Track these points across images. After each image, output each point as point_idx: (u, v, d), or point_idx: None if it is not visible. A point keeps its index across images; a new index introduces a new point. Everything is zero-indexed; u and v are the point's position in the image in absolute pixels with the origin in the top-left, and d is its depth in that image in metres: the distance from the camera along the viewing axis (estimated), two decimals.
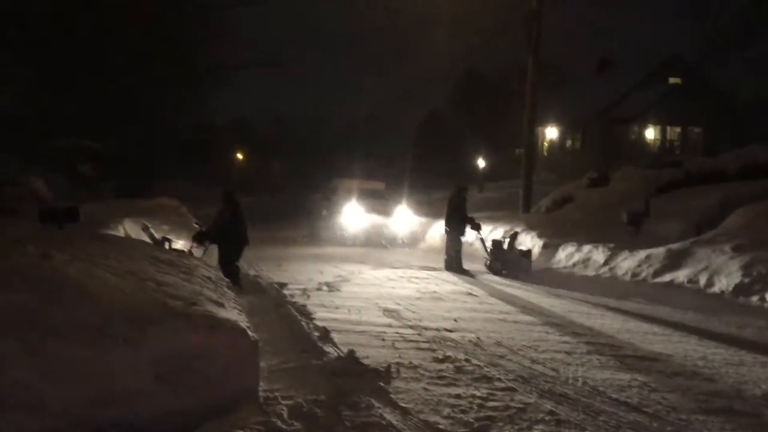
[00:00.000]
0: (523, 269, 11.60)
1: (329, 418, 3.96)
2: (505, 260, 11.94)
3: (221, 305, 5.07)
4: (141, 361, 3.93)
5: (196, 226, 11.15)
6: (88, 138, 21.66)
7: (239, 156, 56.20)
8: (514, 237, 12.67)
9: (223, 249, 9.59)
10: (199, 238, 9.78)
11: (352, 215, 17.87)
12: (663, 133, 33.35)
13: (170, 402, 3.96)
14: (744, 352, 6.06)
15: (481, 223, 13.17)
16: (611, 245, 11.41)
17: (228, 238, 9.56)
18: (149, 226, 11.35)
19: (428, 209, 21.53)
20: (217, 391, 4.14)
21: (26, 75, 18.77)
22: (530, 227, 14.44)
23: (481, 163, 33.49)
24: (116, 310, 3.94)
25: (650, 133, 33.35)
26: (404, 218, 18.32)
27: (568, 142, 36.64)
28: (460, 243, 12.49)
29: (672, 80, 33.69)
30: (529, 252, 12.16)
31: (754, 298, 8.00)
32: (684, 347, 6.16)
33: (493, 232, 14.76)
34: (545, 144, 37.99)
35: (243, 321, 4.94)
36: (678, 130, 33.61)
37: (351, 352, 5.29)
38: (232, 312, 5.10)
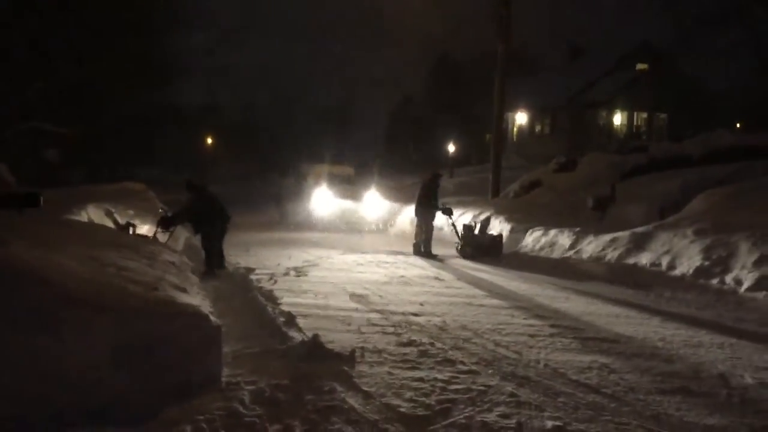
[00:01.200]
0: (494, 254, 11.69)
1: (291, 402, 3.96)
2: (476, 245, 12.02)
3: (184, 290, 5.03)
4: (98, 346, 3.89)
5: (161, 211, 11.01)
6: (51, 123, 21.22)
7: (209, 141, 55.55)
8: (486, 222, 12.76)
9: (202, 233, 9.54)
10: (164, 224, 9.65)
11: (322, 200, 17.83)
12: (630, 118, 33.77)
13: (130, 387, 3.92)
14: (703, 333, 6.20)
15: (452, 208, 13.22)
16: (577, 229, 11.54)
17: (204, 221, 9.47)
18: (113, 211, 11.17)
19: (399, 194, 21.55)
20: (179, 376, 4.12)
21: None
22: (498, 212, 14.54)
23: (451, 148, 33.58)
24: (72, 296, 3.89)
25: (618, 119, 33.74)
26: (374, 203, 18.32)
27: (538, 128, 36.90)
28: (431, 228, 12.54)
29: (640, 66, 34.04)
30: (500, 236, 12.25)
31: (714, 281, 8.16)
32: (644, 329, 6.27)
33: (462, 216, 14.82)
34: (515, 129, 38.21)
35: (206, 306, 4.92)
36: (645, 115, 34.05)
37: (315, 337, 5.28)
38: (196, 297, 5.07)
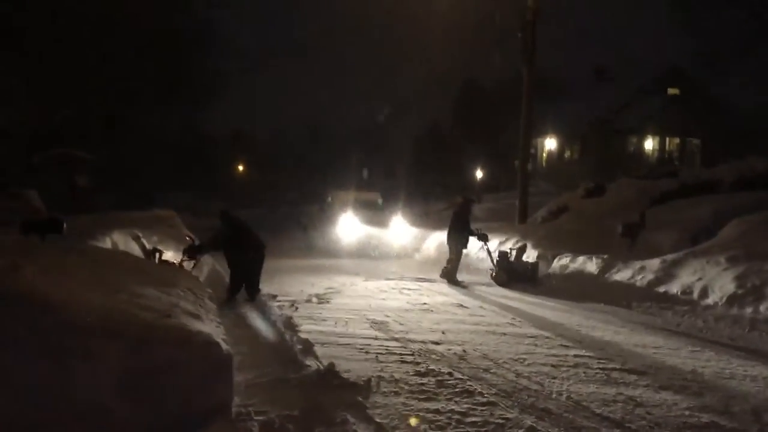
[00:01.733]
0: (530, 281, 11.51)
1: None
2: (511, 271, 11.87)
3: (198, 317, 4.96)
4: (103, 374, 3.83)
5: (188, 239, 11.03)
6: (81, 149, 21.58)
7: (240, 168, 56.26)
8: (522, 249, 12.57)
9: (228, 261, 9.52)
10: (190, 252, 9.64)
11: (348, 226, 17.78)
12: (662, 144, 33.31)
13: (135, 417, 3.85)
14: (735, 365, 5.94)
15: (487, 234, 13.06)
16: (605, 256, 11.28)
17: (232, 250, 9.44)
18: (140, 235, 11.24)
19: (425, 220, 21.45)
20: (187, 406, 4.03)
21: (13, 84, 18.70)
22: (525, 238, 14.32)
23: (479, 174, 33.38)
24: (79, 322, 3.84)
25: (649, 144, 33.31)
26: (400, 229, 18.22)
27: (567, 153, 36.58)
28: (460, 254, 12.41)
29: (671, 91, 33.66)
30: (536, 264, 12.07)
31: (748, 310, 7.87)
32: (674, 360, 6.04)
33: (490, 243, 14.61)
34: (544, 155, 37.92)
35: (220, 334, 4.83)
36: (677, 141, 33.56)
37: (330, 366, 5.18)
38: (209, 325, 4.99)
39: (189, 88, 37.80)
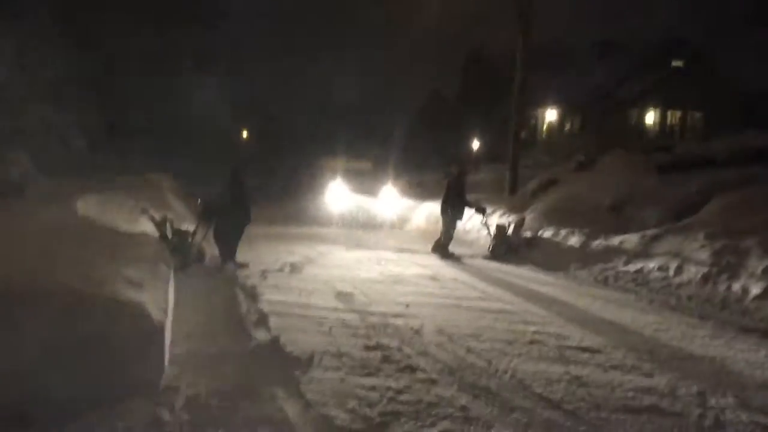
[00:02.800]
0: (527, 256, 11.40)
1: (223, 410, 3.76)
2: (509, 245, 11.76)
3: (140, 286, 4.85)
4: (25, 343, 3.74)
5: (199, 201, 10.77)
6: (72, 113, 21.40)
7: (244, 135, 55.90)
8: (520, 223, 12.42)
9: (222, 225, 9.36)
10: (204, 215, 9.48)
11: (337, 195, 17.64)
12: (663, 117, 32.85)
13: (58, 387, 3.76)
14: (697, 344, 5.82)
15: (486, 207, 12.89)
16: (587, 230, 11.12)
17: (230, 214, 9.30)
18: (148, 207, 10.98)
19: (418, 190, 21.26)
20: (114, 378, 3.94)
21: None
22: (512, 210, 14.18)
23: (475, 144, 33.06)
24: (4, 289, 3.74)
25: (650, 117, 32.87)
26: (390, 199, 18.06)
27: (567, 125, 36.20)
28: (453, 227, 12.23)
29: (674, 63, 33.09)
30: (534, 239, 11.95)
31: (721, 288, 7.71)
32: (635, 338, 5.92)
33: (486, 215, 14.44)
34: (544, 126, 37.54)
35: (160, 304, 4.72)
36: (679, 114, 33.10)
37: (275, 339, 5.09)
38: (152, 294, 4.87)
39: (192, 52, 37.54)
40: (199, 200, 10.14)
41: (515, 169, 16.70)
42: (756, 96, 32.94)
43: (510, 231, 12.17)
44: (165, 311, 4.60)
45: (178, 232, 9.08)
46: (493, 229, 12.30)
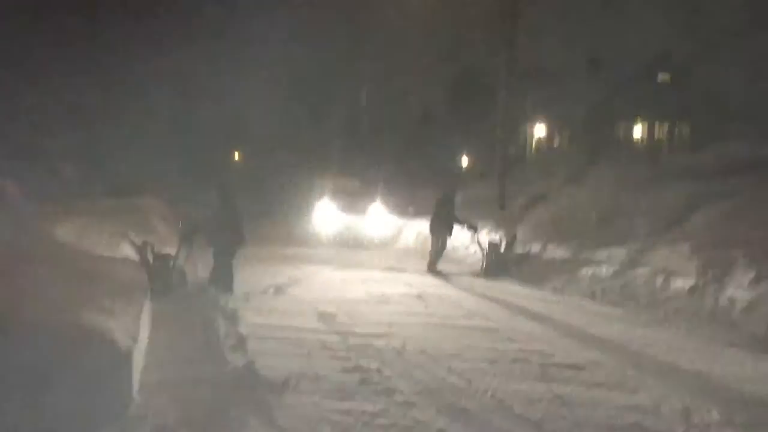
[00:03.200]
0: (521, 272, 11.33)
1: None
2: (502, 263, 11.67)
3: (110, 312, 4.72)
4: None
5: (181, 226, 10.63)
6: (45, 136, 21.33)
7: (235, 155, 55.79)
8: (512, 240, 12.35)
9: (216, 247, 9.14)
10: (186, 237, 9.30)
11: (324, 213, 17.52)
12: (651, 130, 32.94)
13: (18, 422, 3.63)
14: (684, 359, 5.74)
15: (477, 224, 12.82)
16: (574, 244, 11.06)
17: (220, 235, 9.06)
18: (128, 232, 10.82)
19: (408, 209, 21.14)
20: (75, 409, 3.80)
21: None
22: (500, 226, 14.10)
23: (464, 161, 33.05)
24: None
25: (638, 131, 32.95)
26: (379, 217, 17.93)
27: (557, 140, 36.24)
28: (441, 244, 12.14)
29: (661, 77, 33.26)
30: (526, 255, 11.89)
31: (708, 300, 7.62)
32: (620, 354, 5.84)
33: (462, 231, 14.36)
34: (533, 142, 37.59)
35: (129, 331, 4.59)
36: (666, 126, 33.20)
37: (250, 363, 4.96)
38: (121, 320, 4.74)
39: (177, 69, 37.57)
40: (181, 223, 10.02)
41: (503, 185, 16.67)
42: (742, 106, 33.09)
43: (503, 248, 12.11)
44: (134, 338, 4.48)
45: (159, 256, 8.93)
46: (485, 246, 12.22)
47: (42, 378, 3.70)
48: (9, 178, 19.02)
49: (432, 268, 11.86)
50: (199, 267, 10.83)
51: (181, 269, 9.18)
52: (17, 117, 23.30)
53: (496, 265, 11.75)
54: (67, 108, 28.14)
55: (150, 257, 8.84)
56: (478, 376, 4.95)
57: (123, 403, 4.01)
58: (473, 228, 12.64)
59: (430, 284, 10.29)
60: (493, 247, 12.12)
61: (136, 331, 4.66)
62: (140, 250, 8.98)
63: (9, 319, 3.83)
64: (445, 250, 12.40)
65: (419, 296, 8.90)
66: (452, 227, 12.37)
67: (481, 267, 12.04)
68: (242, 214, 9.62)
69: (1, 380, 3.59)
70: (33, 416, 3.63)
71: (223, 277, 9.03)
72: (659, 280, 8.54)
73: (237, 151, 55.53)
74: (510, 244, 12.21)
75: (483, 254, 12.15)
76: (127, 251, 9.48)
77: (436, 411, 4.15)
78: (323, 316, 7.23)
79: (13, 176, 19.54)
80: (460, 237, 14.03)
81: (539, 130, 36.48)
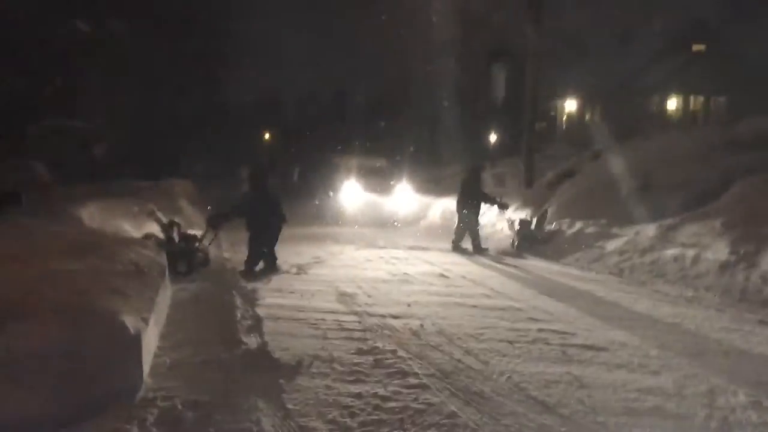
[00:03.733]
0: (548, 249, 11.16)
1: (196, 423, 3.57)
2: (533, 240, 11.52)
3: (123, 294, 4.71)
4: None
5: (209, 208, 10.72)
6: (75, 118, 21.52)
7: (266, 136, 56.00)
8: (543, 215, 12.17)
9: (251, 232, 9.16)
10: (212, 220, 9.33)
11: (351, 194, 17.45)
12: (685, 103, 32.11)
13: (25, 406, 3.61)
14: (712, 339, 5.53)
15: (508, 202, 12.62)
16: (603, 221, 10.81)
17: (256, 219, 9.09)
18: (155, 209, 10.95)
19: (434, 187, 20.98)
20: (87, 391, 3.78)
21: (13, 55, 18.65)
22: (527, 203, 13.88)
23: (492, 137, 32.62)
24: None
25: (672, 104, 32.14)
26: (405, 196, 17.82)
27: (587, 115, 35.57)
28: (474, 223, 11.98)
29: (696, 47, 32.34)
30: (554, 232, 11.72)
31: (739, 278, 7.37)
32: (645, 334, 5.64)
33: (491, 209, 14.17)
34: (564, 117, 36.97)
35: (141, 313, 4.56)
36: (701, 99, 32.33)
37: (263, 345, 4.92)
38: (135, 302, 4.71)
39: (208, 55, 37.69)
40: (209, 207, 10.05)
41: (531, 161, 16.38)
42: None
43: (534, 225, 11.94)
44: (146, 320, 4.44)
45: (185, 237, 8.95)
46: (516, 224, 12.06)
47: (47, 362, 3.68)
48: (41, 160, 19.35)
49: (456, 245, 11.75)
50: (224, 249, 10.90)
51: (206, 251, 9.19)
52: (50, 99, 23.53)
53: (527, 242, 11.59)
54: (99, 90, 28.46)
55: (176, 237, 8.88)
56: (495, 358, 4.82)
57: (132, 387, 3.99)
58: (504, 206, 12.46)
59: (454, 263, 10.15)
60: (525, 224, 11.95)
61: (149, 313, 4.63)
62: (166, 228, 9.03)
63: (21, 303, 3.81)
64: (479, 228, 12.21)
65: (442, 275, 8.78)
66: (480, 205, 12.21)
67: (512, 244, 11.90)
68: (278, 195, 9.62)
69: (6, 366, 3.58)
70: (36, 403, 3.60)
71: (265, 257, 9.11)
72: (689, 257, 8.28)
73: (267, 132, 55.87)
74: (540, 222, 12.02)
75: (514, 231, 11.99)
76: (153, 229, 9.54)
77: (450, 394, 4.04)
78: (343, 296, 7.16)
79: (45, 158, 19.91)
80: (487, 215, 13.87)
81: (570, 105, 35.89)
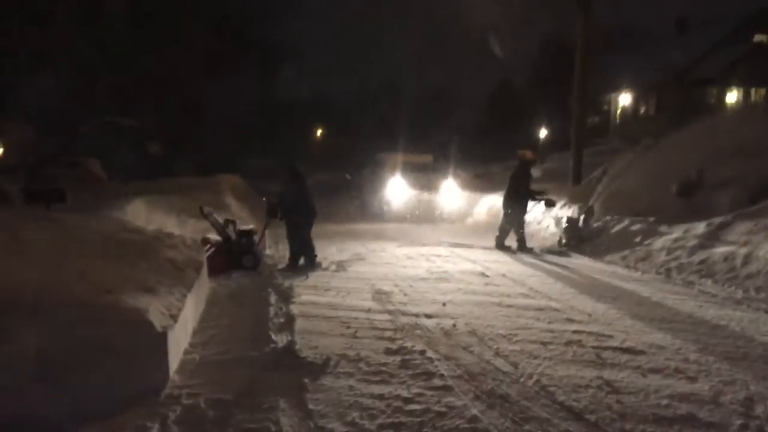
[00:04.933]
0: (593, 247, 10.95)
1: (216, 422, 3.60)
2: (581, 237, 11.32)
3: (152, 291, 4.77)
4: (20, 354, 3.68)
5: (264, 199, 10.94)
6: (128, 116, 22.02)
7: (318, 132, 56.54)
8: (589, 212, 11.93)
9: (291, 224, 9.38)
10: (270, 212, 9.55)
11: (396, 190, 17.40)
12: (746, 96, 30.95)
13: (52, 401, 3.70)
14: (756, 344, 5.29)
15: (554, 199, 12.39)
16: (651, 219, 10.50)
17: (296, 211, 9.33)
18: (212, 211, 11.13)
19: (480, 183, 20.77)
20: (112, 389, 3.86)
21: (70, 54, 19.16)
22: (574, 199, 13.59)
23: (543, 132, 32.09)
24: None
25: (732, 97, 31.02)
26: (451, 193, 17.68)
27: (642, 108, 34.65)
28: (521, 220, 11.76)
29: (758, 38, 31.15)
30: (600, 230, 11.50)
31: None
32: (686, 337, 5.43)
33: (538, 206, 13.92)
34: (618, 111, 36.11)
35: (171, 311, 4.61)
36: (763, 92, 31.11)
37: (291, 344, 4.92)
38: (164, 300, 4.77)
39: (259, 53, 38.19)
40: (264, 199, 10.18)
41: (579, 156, 16.02)
42: None
43: (581, 222, 11.70)
44: (175, 318, 4.50)
45: (243, 233, 9.08)
46: (564, 222, 11.83)
47: (74, 360, 3.76)
48: (95, 157, 19.90)
49: (500, 243, 11.56)
50: (266, 246, 11.01)
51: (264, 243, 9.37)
52: (106, 98, 24.15)
53: (575, 240, 11.37)
54: (153, 89, 29.14)
55: (232, 234, 9.03)
56: (525, 360, 4.72)
57: (157, 384, 4.04)
58: (551, 203, 12.19)
59: (496, 261, 10.00)
60: (573, 222, 11.71)
61: (178, 311, 4.68)
62: (223, 229, 9.13)
63: (53, 302, 3.90)
64: (524, 225, 11.99)
65: (482, 273, 8.66)
66: (527, 201, 11.93)
67: (559, 242, 11.68)
68: (312, 191, 9.73)
69: (37, 363, 3.66)
70: (62, 400, 3.68)
71: (305, 253, 9.30)
72: (740, 257, 7.97)
73: (320, 128, 56.42)
74: (587, 218, 11.76)
75: (561, 229, 11.76)
76: (202, 228, 9.70)
77: (474, 397, 3.97)
78: (378, 295, 7.12)
79: (99, 155, 20.47)
80: (533, 212, 13.64)
81: (624, 99, 35.06)
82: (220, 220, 9.37)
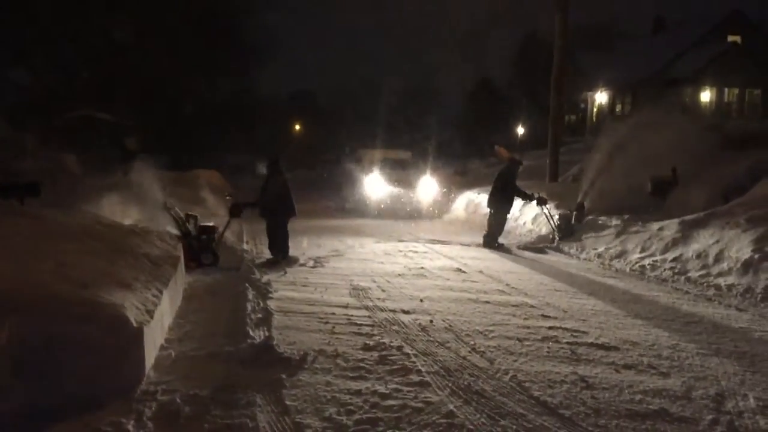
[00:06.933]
0: (569, 245, 11.03)
1: (192, 418, 3.58)
2: (572, 232, 11.44)
3: (128, 287, 4.74)
4: None
5: (228, 197, 10.87)
6: (104, 110, 21.73)
7: (297, 128, 56.23)
8: (581, 209, 12.00)
9: (277, 220, 9.37)
10: (233, 209, 9.46)
11: (374, 186, 17.39)
12: (719, 95, 31.43)
13: (28, 397, 3.65)
14: (727, 339, 5.40)
15: (546, 198, 12.44)
16: (625, 217, 10.63)
17: (277, 207, 9.34)
18: (174, 205, 11.05)
19: (460, 180, 20.86)
20: (88, 385, 3.82)
21: (47, 49, 18.87)
22: (551, 197, 13.68)
23: (520, 130, 32.30)
24: None
25: (706, 96, 31.47)
26: (429, 189, 17.71)
27: (618, 107, 35.02)
28: (501, 218, 11.81)
29: (731, 38, 31.63)
30: (578, 227, 11.58)
31: (763, 276, 7.18)
32: (659, 334, 5.52)
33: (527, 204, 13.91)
34: (594, 109, 36.46)
35: (146, 306, 4.58)
36: (736, 91, 31.61)
37: (268, 339, 4.91)
38: (140, 295, 4.74)
39: (238, 49, 37.85)
40: (228, 197, 10.13)
41: (555, 155, 16.20)
42: None
43: (573, 219, 11.79)
44: (151, 313, 4.47)
45: (204, 229, 8.99)
46: (556, 219, 11.89)
47: (47, 355, 3.72)
48: (71, 152, 19.62)
49: (491, 243, 11.46)
50: (244, 241, 10.97)
51: (226, 241, 9.27)
52: (83, 92, 23.80)
53: (567, 235, 11.44)
54: (130, 83, 28.80)
55: (193, 230, 8.93)
56: (501, 356, 4.76)
57: (132, 380, 4.01)
58: (543, 201, 12.15)
59: (473, 257, 10.05)
60: (565, 218, 11.79)
61: (154, 306, 4.65)
62: (183, 223, 9.05)
63: (30, 298, 3.85)
64: (505, 225, 12.05)
65: (459, 270, 8.70)
66: (512, 201, 11.96)
67: (552, 239, 11.72)
68: (290, 187, 9.70)
69: (20, 358, 3.62)
70: (45, 394, 3.65)
71: (279, 246, 9.31)
72: (712, 255, 8.10)
73: (298, 124, 56.15)
74: (579, 216, 11.83)
75: (553, 226, 11.79)
76: (167, 223, 9.61)
77: (450, 393, 3.99)
78: (356, 290, 7.13)
79: (75, 150, 20.17)
80: (512, 210, 13.70)
81: (601, 97, 35.40)
82: (182, 214, 9.29)
